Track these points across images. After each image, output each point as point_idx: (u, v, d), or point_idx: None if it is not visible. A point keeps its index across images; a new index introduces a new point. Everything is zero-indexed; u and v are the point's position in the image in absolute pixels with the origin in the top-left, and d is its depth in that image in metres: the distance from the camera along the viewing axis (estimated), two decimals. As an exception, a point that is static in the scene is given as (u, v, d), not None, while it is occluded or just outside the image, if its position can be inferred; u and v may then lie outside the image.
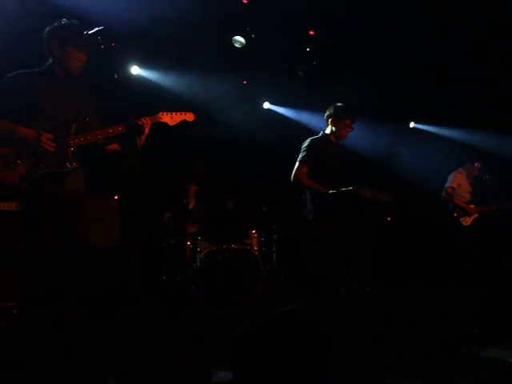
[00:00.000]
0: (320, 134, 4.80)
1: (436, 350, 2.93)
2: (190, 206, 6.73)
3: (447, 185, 6.63)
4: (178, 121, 3.54)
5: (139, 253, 5.84)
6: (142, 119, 3.32)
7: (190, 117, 3.58)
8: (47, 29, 3.28)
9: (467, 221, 6.47)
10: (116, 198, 5.61)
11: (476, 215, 6.49)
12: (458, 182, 6.62)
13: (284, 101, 8.05)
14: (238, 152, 7.46)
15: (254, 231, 6.58)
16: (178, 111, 3.53)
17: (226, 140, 7.13)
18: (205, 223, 6.58)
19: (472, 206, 6.52)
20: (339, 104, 4.75)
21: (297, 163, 4.64)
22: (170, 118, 3.50)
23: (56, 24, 3.27)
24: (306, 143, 4.70)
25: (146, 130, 3.32)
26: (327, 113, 4.77)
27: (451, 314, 3.35)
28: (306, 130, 7.18)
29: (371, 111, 7.37)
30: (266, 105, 8.13)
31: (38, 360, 2.24)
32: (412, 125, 8.65)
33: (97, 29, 3.12)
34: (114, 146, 3.47)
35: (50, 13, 4.68)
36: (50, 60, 3.30)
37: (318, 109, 7.22)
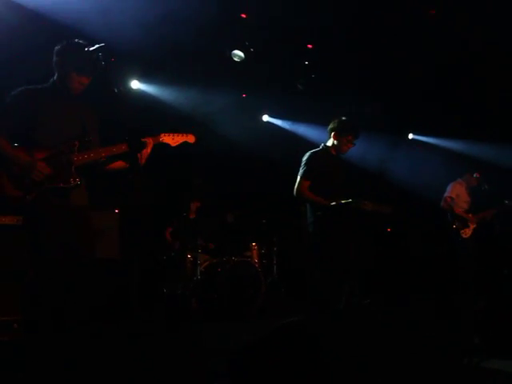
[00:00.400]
0: (321, 147, 4.80)
1: (437, 362, 2.93)
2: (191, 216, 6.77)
3: (446, 195, 6.64)
4: (180, 142, 3.61)
5: (140, 266, 5.86)
6: (146, 139, 3.37)
7: (191, 138, 3.65)
8: (56, 47, 3.33)
9: (467, 232, 6.47)
10: (117, 211, 5.63)
11: (475, 225, 6.49)
12: (456, 192, 6.63)
13: (283, 114, 8.10)
14: (238, 165, 7.49)
15: (254, 244, 6.59)
16: (179, 132, 3.59)
17: (225, 153, 7.16)
18: (205, 236, 6.59)
19: (470, 215, 6.52)
20: (344, 118, 4.72)
21: (298, 178, 4.64)
22: (171, 139, 3.57)
23: (64, 44, 3.31)
24: (306, 156, 4.70)
25: (148, 150, 3.38)
26: (331, 126, 4.73)
27: (452, 325, 3.36)
28: (305, 143, 7.21)
29: (370, 123, 7.42)
30: (266, 118, 8.17)
31: (40, 371, 2.25)
32: (411, 136, 8.69)
33: (97, 45, 3.16)
34: (119, 164, 3.50)
35: (51, 28, 4.76)
36: (55, 76, 3.34)
37: (317, 121, 7.28)
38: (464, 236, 6.45)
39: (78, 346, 2.50)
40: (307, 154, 4.72)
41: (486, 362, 3.15)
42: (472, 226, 6.47)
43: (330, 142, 4.76)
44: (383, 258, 6.74)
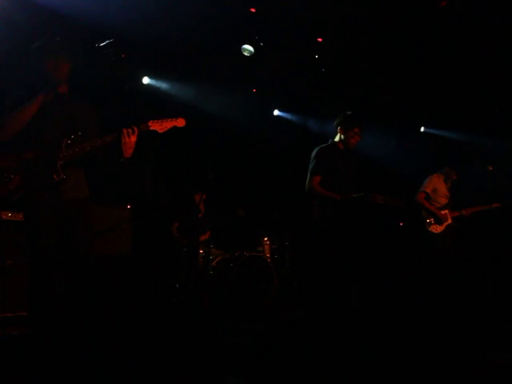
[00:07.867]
0: (329, 142, 4.82)
1: (436, 351, 2.92)
2: (200, 215, 6.76)
3: (421, 189, 6.38)
4: (168, 127, 3.42)
5: (152, 261, 5.89)
6: (131, 128, 3.30)
7: (180, 122, 3.46)
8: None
9: (437, 228, 6.19)
10: (129, 207, 5.65)
11: (449, 221, 6.21)
12: (433, 186, 6.34)
13: (294, 108, 8.08)
14: (249, 160, 7.49)
15: (266, 238, 6.59)
16: (167, 118, 3.42)
17: (236, 148, 7.16)
18: (217, 231, 6.59)
19: (445, 211, 6.24)
20: (349, 112, 4.76)
21: (308, 174, 4.65)
22: (159, 126, 3.39)
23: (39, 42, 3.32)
24: (314, 152, 4.72)
25: (133, 139, 3.28)
26: (336, 121, 4.78)
27: (448, 315, 3.34)
28: (315, 137, 7.19)
29: (382, 116, 7.38)
30: (276, 112, 8.16)
31: (48, 365, 2.27)
32: (422, 129, 8.64)
33: (107, 41, 3.17)
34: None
35: (59, 23, 4.76)
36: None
37: (327, 115, 7.25)
38: (434, 231, 6.18)
39: (91, 341, 2.52)
40: (315, 150, 4.74)
41: (486, 352, 3.14)
42: (445, 223, 6.20)
43: (337, 137, 4.79)
44: (395, 253, 6.67)
